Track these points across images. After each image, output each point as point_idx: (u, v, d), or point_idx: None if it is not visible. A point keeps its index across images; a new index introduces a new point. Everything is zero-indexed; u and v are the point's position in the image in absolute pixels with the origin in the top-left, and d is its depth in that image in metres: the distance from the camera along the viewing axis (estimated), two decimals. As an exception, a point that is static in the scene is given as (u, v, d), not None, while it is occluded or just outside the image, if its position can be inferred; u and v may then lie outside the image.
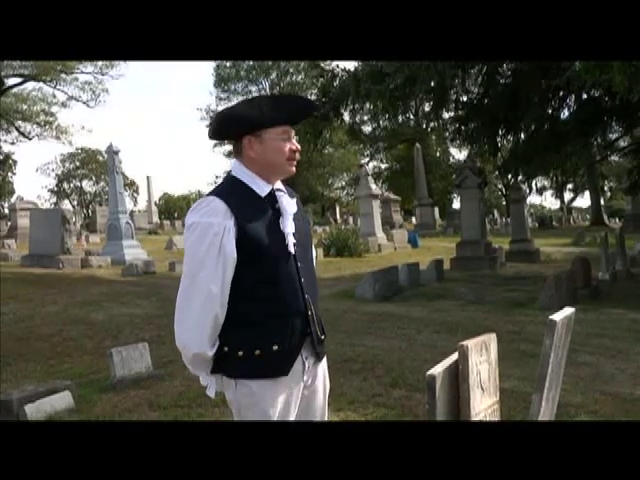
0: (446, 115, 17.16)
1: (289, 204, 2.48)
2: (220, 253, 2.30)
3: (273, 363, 2.36)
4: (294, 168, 2.49)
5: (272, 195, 2.45)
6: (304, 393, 2.50)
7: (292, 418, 2.45)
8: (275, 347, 2.35)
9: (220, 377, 2.43)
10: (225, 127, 2.49)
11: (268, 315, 2.37)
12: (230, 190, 2.43)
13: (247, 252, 2.33)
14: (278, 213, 2.43)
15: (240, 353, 2.35)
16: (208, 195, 2.42)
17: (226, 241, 2.31)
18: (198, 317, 2.32)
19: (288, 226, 2.43)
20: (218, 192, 2.41)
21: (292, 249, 2.42)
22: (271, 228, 2.39)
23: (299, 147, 2.47)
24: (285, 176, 2.51)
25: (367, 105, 14.67)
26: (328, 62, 15.68)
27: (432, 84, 13.32)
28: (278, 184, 2.53)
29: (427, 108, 17.46)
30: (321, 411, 2.61)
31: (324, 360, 2.62)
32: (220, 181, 2.59)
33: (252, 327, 2.37)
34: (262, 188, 2.44)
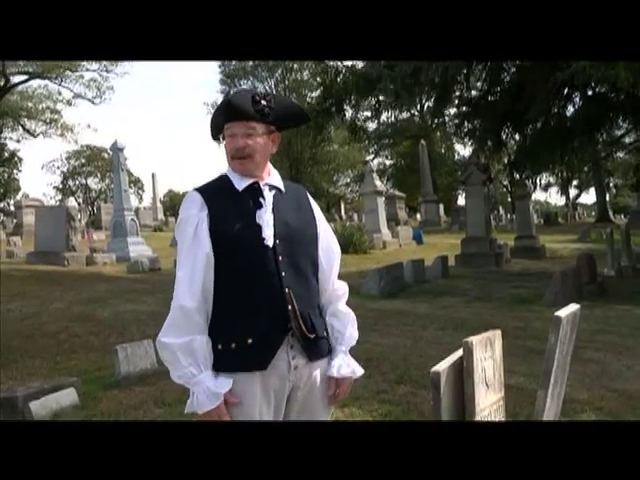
0: (451, 111, 17.19)
1: (268, 197, 2.48)
2: (193, 243, 2.36)
3: (248, 357, 2.33)
4: (243, 165, 2.46)
5: (255, 188, 2.47)
6: (297, 395, 2.45)
7: (272, 416, 2.40)
8: (250, 340, 2.33)
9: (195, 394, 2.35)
10: (211, 132, 2.63)
11: (243, 308, 2.36)
12: (211, 184, 2.52)
13: (221, 244, 2.36)
14: (258, 206, 2.44)
15: (220, 346, 2.35)
16: (190, 191, 2.51)
17: (200, 231, 2.36)
18: (170, 309, 2.37)
19: (265, 218, 2.42)
20: (199, 186, 2.50)
21: (270, 242, 2.40)
22: (246, 221, 2.40)
23: (242, 144, 2.43)
24: (243, 174, 2.47)
25: (370, 99, 14.64)
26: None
27: (436, 80, 13.30)
28: (271, 178, 2.54)
29: (431, 104, 17.44)
30: (319, 418, 2.54)
31: (333, 365, 2.53)
32: None
33: (230, 320, 2.36)
34: (239, 182, 2.47)
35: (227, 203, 2.42)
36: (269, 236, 2.40)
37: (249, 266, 2.37)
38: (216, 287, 2.37)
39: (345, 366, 2.56)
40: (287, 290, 2.40)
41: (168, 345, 2.32)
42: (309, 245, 2.55)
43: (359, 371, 2.61)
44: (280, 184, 2.55)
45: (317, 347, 2.48)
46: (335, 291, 2.64)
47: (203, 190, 2.45)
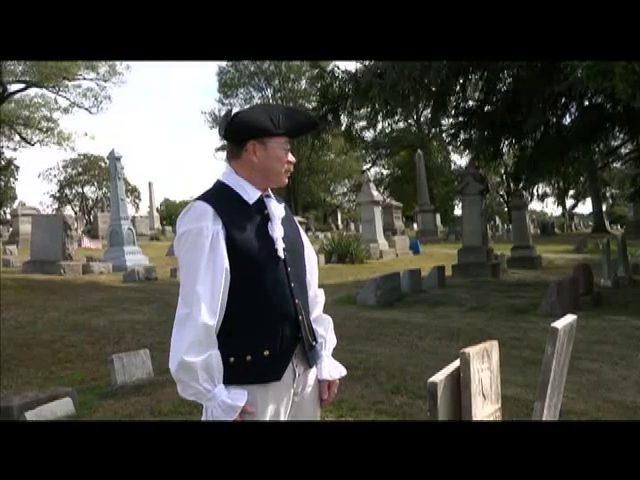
0: (447, 121, 17.23)
1: (277, 209, 2.48)
2: (210, 257, 2.29)
3: (264, 368, 2.34)
4: (287, 180, 2.58)
5: (261, 201, 2.46)
6: (294, 400, 2.49)
7: None
8: (266, 352, 2.34)
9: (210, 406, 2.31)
10: (238, 129, 2.44)
11: (258, 320, 2.36)
12: (217, 195, 2.43)
13: (236, 257, 2.32)
14: (267, 218, 2.44)
15: (232, 360, 2.32)
16: (195, 200, 2.41)
17: (217, 244, 2.30)
18: (185, 325, 2.27)
19: (277, 231, 2.43)
20: (204, 197, 2.41)
21: (282, 254, 2.42)
22: (259, 233, 2.39)
23: (294, 160, 2.54)
24: (277, 186, 2.54)
25: (366, 107, 14.67)
26: (328, 63, 15.66)
27: (433, 88, 13.33)
28: (270, 192, 2.54)
29: (428, 114, 17.50)
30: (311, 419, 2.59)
31: (323, 369, 2.60)
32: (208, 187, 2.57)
33: (243, 333, 2.34)
34: (249, 194, 2.44)
35: (239, 215, 2.39)
36: (280, 248, 2.42)
37: (265, 279, 2.38)
38: (229, 300, 2.33)
39: (333, 369, 2.64)
40: (297, 301, 2.45)
41: (192, 364, 2.23)
42: (302, 255, 2.61)
43: (344, 371, 2.69)
44: (274, 197, 2.56)
45: (315, 353, 2.56)
46: (316, 298, 2.68)
47: (212, 201, 2.37)
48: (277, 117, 2.43)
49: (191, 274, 2.30)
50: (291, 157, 2.50)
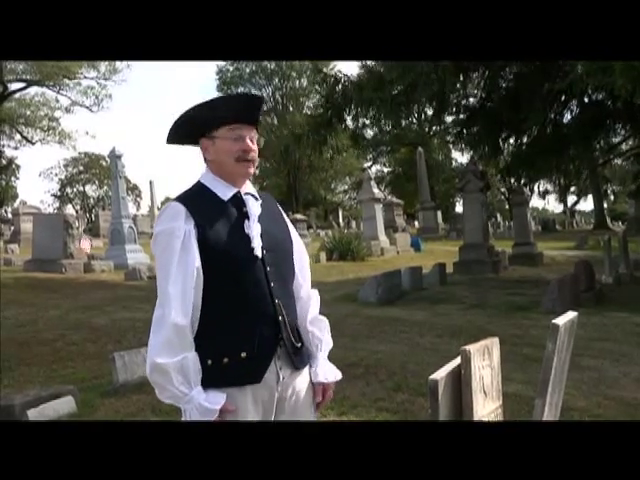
0: (448, 119, 17.21)
1: (254, 206, 2.43)
2: (181, 257, 2.25)
3: (242, 371, 2.29)
4: (250, 169, 2.43)
5: (238, 198, 2.41)
6: (284, 406, 2.43)
7: None
8: (243, 354, 2.29)
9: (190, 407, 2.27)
10: (179, 130, 2.44)
11: (234, 321, 2.30)
12: (191, 194, 2.40)
13: (210, 256, 2.28)
14: (244, 216, 2.39)
15: (209, 362, 2.27)
16: (170, 201, 2.38)
17: (188, 244, 2.26)
18: (159, 326, 2.24)
19: (253, 229, 2.37)
20: (179, 197, 2.38)
21: (259, 252, 2.36)
22: (235, 232, 2.34)
23: (252, 147, 2.40)
24: (241, 178, 2.43)
25: (370, 111, 14.65)
26: (331, 68, 15.65)
27: (434, 89, 13.32)
28: (248, 187, 2.48)
29: (429, 112, 17.48)
30: None
31: (318, 372, 2.55)
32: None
33: (219, 334, 2.30)
34: (224, 191, 2.39)
35: (213, 213, 2.34)
36: (258, 246, 2.36)
37: (240, 278, 2.32)
38: (205, 301, 2.29)
39: (329, 371, 2.58)
40: (277, 301, 2.37)
41: (163, 366, 2.20)
42: (288, 254, 2.53)
43: (339, 374, 2.63)
44: (256, 193, 2.50)
45: (302, 356, 2.48)
46: (310, 299, 2.62)
47: (185, 200, 2.34)
48: (214, 107, 2.38)
49: (164, 275, 2.27)
50: (247, 143, 2.39)
